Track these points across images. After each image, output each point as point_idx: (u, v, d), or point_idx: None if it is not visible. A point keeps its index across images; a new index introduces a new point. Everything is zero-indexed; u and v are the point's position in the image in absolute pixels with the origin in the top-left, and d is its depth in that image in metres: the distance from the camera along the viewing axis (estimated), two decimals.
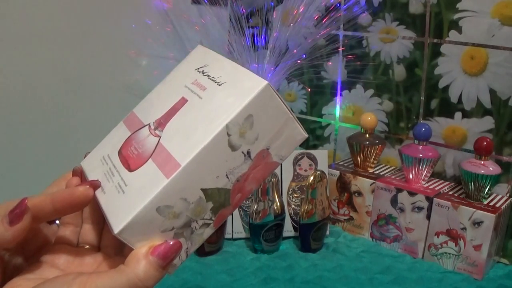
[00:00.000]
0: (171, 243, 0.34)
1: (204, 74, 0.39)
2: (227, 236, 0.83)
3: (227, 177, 0.34)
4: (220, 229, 0.79)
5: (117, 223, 0.33)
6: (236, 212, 0.84)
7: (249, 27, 0.88)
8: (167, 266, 0.34)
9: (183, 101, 0.38)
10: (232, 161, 0.34)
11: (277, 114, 0.35)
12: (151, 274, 0.33)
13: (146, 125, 0.39)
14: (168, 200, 0.33)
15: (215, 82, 0.37)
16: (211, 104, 0.35)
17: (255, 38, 0.89)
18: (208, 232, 0.36)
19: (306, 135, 0.37)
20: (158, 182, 0.33)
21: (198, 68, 0.40)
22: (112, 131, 0.43)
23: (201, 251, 0.78)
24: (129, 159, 0.37)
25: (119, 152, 0.38)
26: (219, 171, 0.34)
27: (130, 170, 0.36)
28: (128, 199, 0.34)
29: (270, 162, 0.36)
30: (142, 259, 0.33)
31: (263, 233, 0.78)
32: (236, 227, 0.84)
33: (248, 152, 0.34)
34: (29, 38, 0.85)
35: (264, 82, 0.34)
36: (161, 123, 0.37)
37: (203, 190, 0.34)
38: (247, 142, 0.34)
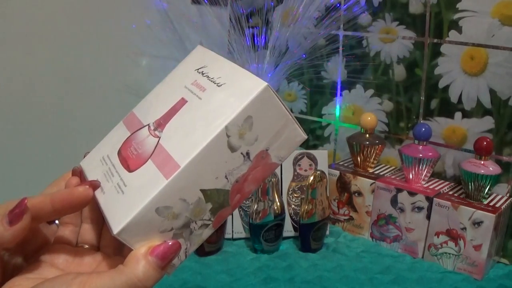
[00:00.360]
0: (170, 243, 0.34)
1: (204, 75, 0.39)
2: (227, 236, 0.83)
3: (226, 178, 0.34)
4: (220, 229, 0.79)
5: (117, 224, 0.33)
6: (236, 212, 0.84)
7: (249, 27, 0.88)
8: (166, 266, 0.34)
9: (182, 102, 0.38)
10: (232, 162, 0.34)
11: (277, 115, 0.35)
12: (150, 274, 0.33)
13: (146, 126, 0.39)
14: (168, 201, 0.33)
15: (215, 83, 0.37)
16: (211, 105, 0.35)
17: (255, 38, 0.89)
18: (207, 232, 0.36)
19: (306, 136, 0.37)
20: (157, 182, 0.33)
21: (198, 69, 0.40)
22: (111, 131, 0.43)
23: (201, 251, 0.78)
24: (129, 160, 0.37)
25: (119, 152, 0.38)
26: (218, 172, 0.34)
27: (130, 170, 0.36)
28: (127, 199, 0.34)
29: (270, 163, 0.36)
30: (141, 260, 0.33)
31: (263, 233, 0.78)
32: (236, 227, 0.84)
33: (248, 153, 0.34)
34: (29, 38, 0.85)
35: (263, 84, 0.34)
36: (160, 124, 0.37)
37: (202, 191, 0.34)
38: (247, 143, 0.34)
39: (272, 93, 0.34)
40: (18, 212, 0.33)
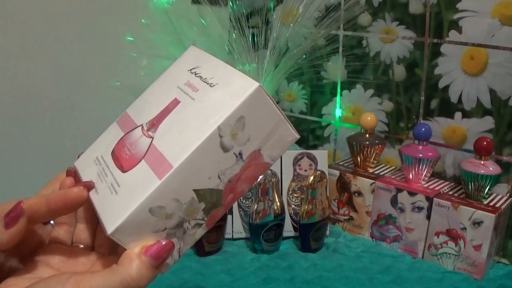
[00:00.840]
0: (163, 243, 0.34)
1: (197, 75, 0.39)
2: (227, 236, 0.83)
3: (219, 178, 0.35)
4: (220, 229, 0.79)
5: (110, 224, 0.33)
6: (236, 212, 0.84)
7: (249, 27, 0.88)
8: (159, 265, 0.34)
9: (175, 102, 0.38)
10: (224, 162, 0.34)
11: (269, 115, 0.35)
12: (144, 274, 0.33)
13: (139, 126, 0.39)
14: (161, 201, 0.33)
15: (207, 84, 0.37)
16: (203, 105, 0.36)
17: (255, 38, 0.89)
18: (200, 232, 0.36)
19: (298, 136, 0.37)
20: (150, 183, 0.33)
21: (191, 69, 0.40)
22: (105, 131, 0.43)
23: (201, 251, 0.78)
24: (122, 160, 0.37)
25: (112, 153, 0.39)
26: (211, 172, 0.34)
27: (123, 171, 0.36)
28: (121, 199, 0.34)
29: (262, 163, 0.36)
30: (135, 259, 0.33)
31: (263, 233, 0.78)
32: (236, 227, 0.84)
33: (240, 153, 0.35)
34: (29, 38, 0.85)
35: (255, 84, 0.34)
36: (154, 124, 0.38)
37: (195, 190, 0.34)
38: (239, 143, 0.34)
39: (264, 94, 0.34)
40: (14, 216, 0.33)
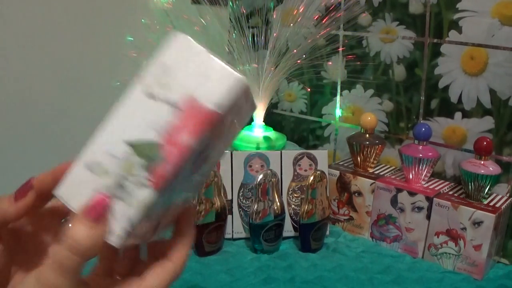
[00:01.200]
0: (96, 195, 0.33)
1: None
2: (227, 236, 0.83)
3: (154, 129, 0.33)
4: (220, 229, 0.79)
5: (59, 186, 0.35)
6: (236, 212, 0.84)
7: (249, 27, 0.88)
8: (97, 220, 0.32)
9: None
10: (156, 111, 0.33)
11: (197, 58, 0.34)
12: (85, 233, 0.31)
13: None
14: (96, 156, 0.34)
15: None
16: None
17: (255, 38, 0.89)
18: (147, 194, 0.33)
19: (240, 76, 0.34)
20: (88, 142, 0.34)
21: None
22: None
23: (201, 251, 0.78)
24: None
25: None
26: (141, 122, 0.34)
27: None
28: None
29: (204, 111, 0.33)
30: (74, 221, 0.32)
31: (263, 233, 0.78)
32: (236, 227, 0.84)
33: (173, 101, 0.34)
34: (29, 38, 0.85)
35: (181, 34, 0.34)
36: None
37: (128, 142, 0.34)
38: (168, 90, 0.34)
39: (191, 40, 0.34)
40: (23, 189, 0.36)
